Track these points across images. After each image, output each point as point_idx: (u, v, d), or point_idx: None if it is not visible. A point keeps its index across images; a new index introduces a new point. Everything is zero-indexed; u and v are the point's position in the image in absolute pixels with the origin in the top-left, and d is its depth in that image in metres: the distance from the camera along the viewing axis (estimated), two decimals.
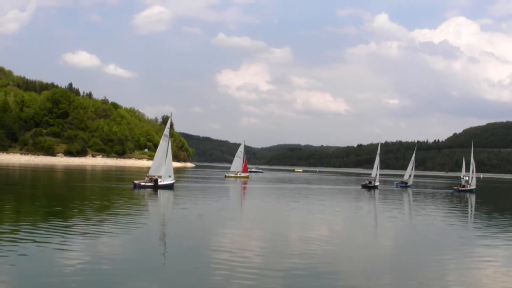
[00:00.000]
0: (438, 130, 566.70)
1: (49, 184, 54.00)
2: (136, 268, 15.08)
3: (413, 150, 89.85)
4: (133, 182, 47.05)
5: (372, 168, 77.21)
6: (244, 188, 64.45)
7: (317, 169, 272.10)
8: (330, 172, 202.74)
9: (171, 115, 49.17)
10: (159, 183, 46.13)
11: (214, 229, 24.74)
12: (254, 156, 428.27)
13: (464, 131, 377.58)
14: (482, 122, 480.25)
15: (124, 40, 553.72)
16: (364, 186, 72.01)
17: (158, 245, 19.66)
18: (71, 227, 21.56)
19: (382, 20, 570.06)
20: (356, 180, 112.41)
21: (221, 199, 44.39)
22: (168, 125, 48.41)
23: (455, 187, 73.58)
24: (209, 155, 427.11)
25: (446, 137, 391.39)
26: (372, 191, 64.83)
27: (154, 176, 46.51)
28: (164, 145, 47.00)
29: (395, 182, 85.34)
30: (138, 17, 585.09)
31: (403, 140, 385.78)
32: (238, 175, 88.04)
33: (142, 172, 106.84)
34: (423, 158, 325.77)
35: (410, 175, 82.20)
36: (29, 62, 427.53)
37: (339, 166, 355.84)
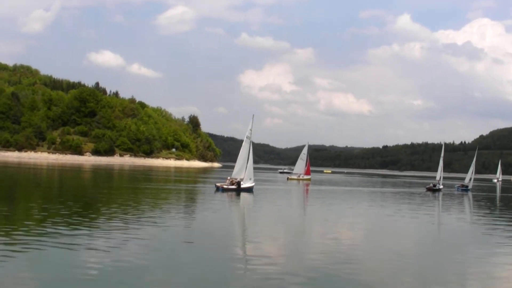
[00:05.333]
0: (462, 132, 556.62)
1: (119, 186, 51.07)
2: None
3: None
4: (215, 185, 45.62)
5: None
6: (307, 190, 61.20)
7: (345, 170, 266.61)
8: (360, 174, 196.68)
9: (253, 117, 44.94)
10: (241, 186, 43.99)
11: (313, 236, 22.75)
12: (279, 157, 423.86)
13: (490, 133, 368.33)
14: (506, 124, 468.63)
15: (147, 40, 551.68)
16: (429, 189, 70.08)
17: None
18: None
19: (404, 21, 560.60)
20: (405, 182, 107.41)
21: (303, 203, 43.68)
22: (250, 126, 44.77)
23: None
24: (234, 155, 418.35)
25: (472, 139, 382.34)
26: (437, 194, 63.06)
27: (236, 179, 44.30)
28: (246, 147, 44.31)
29: (455, 185, 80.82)
30: (161, 17, 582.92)
31: (429, 141, 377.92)
32: (300, 177, 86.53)
33: (169, 172, 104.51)
34: (450, 160, 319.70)
35: (470, 179, 77.52)
36: (54, 61, 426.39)
37: (364, 167, 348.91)
